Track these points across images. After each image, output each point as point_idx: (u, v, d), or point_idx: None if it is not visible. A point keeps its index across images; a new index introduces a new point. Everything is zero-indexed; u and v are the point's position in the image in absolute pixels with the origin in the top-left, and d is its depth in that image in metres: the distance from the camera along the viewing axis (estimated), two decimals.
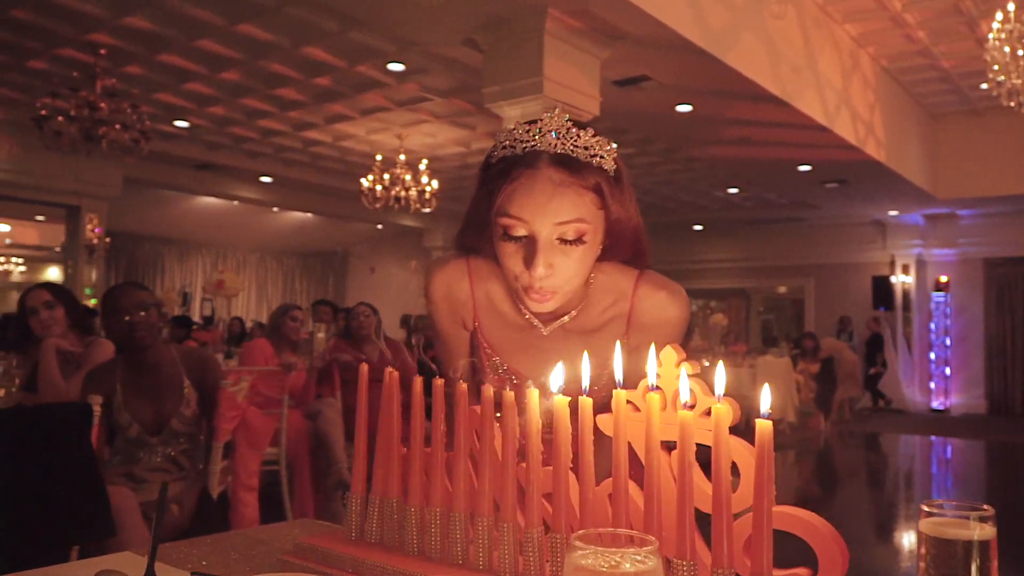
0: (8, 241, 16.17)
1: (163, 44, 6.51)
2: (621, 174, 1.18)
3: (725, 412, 0.78)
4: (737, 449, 0.82)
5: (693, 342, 10.70)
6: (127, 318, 2.60)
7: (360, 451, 1.08)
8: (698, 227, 14.49)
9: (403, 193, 8.77)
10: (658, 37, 5.74)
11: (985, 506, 0.68)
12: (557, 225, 1.11)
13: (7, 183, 9.16)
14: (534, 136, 1.15)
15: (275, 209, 13.01)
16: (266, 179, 11.15)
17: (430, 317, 1.39)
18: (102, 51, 6.54)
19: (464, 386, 0.99)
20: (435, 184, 9.03)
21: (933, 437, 9.98)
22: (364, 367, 1.10)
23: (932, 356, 12.39)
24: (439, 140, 9.23)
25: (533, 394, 0.91)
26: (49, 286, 3.05)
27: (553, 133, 1.15)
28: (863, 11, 7.05)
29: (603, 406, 0.90)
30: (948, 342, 12.31)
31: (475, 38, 5.72)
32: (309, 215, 13.20)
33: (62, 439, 1.66)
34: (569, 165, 1.12)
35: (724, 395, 0.82)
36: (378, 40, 6.32)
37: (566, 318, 1.25)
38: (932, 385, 12.35)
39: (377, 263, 15.56)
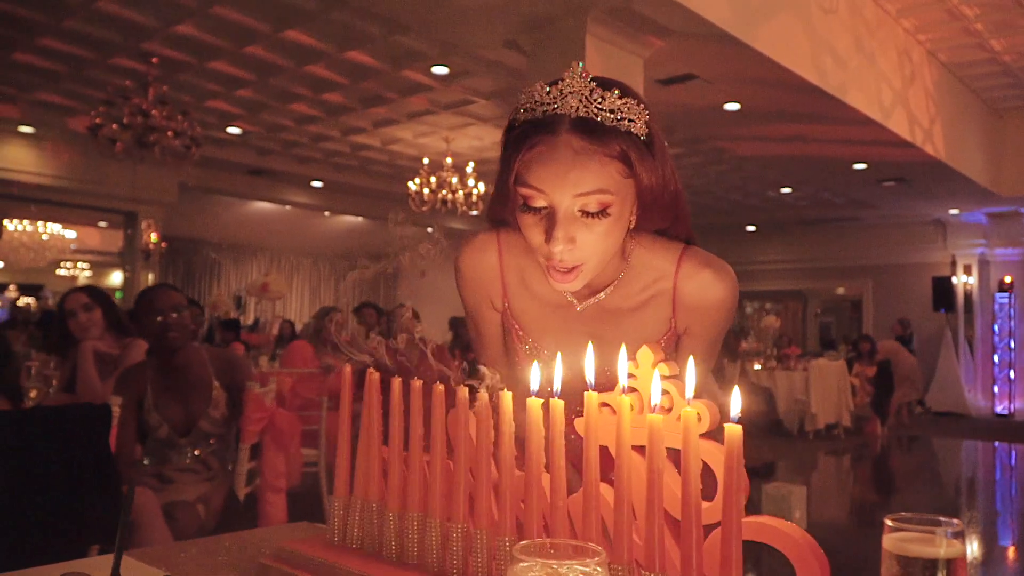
0: (73, 247, 16.71)
1: (212, 52, 6.65)
2: (653, 138, 1.08)
3: (692, 417, 0.73)
4: (713, 455, 0.77)
5: (746, 344, 10.50)
6: (160, 319, 2.64)
7: (343, 454, 1.06)
8: (751, 228, 14.23)
9: (450, 196, 8.79)
10: (703, 34, 5.64)
11: (955, 520, 0.62)
12: (577, 196, 1.03)
13: (69, 190, 9.48)
14: (555, 99, 1.06)
15: (326, 213, 13.20)
16: (317, 184, 11.32)
17: (461, 298, 1.33)
18: (154, 60, 6.71)
19: (440, 388, 0.96)
20: (482, 187, 9.04)
21: (996, 443, 9.60)
22: (347, 368, 1.08)
23: (995, 359, 11.93)
24: (485, 143, 9.24)
25: (505, 397, 0.88)
26: (87, 289, 3.13)
27: (575, 95, 1.05)
28: (918, 5, 6.82)
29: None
30: (1012, 344, 11.83)
31: (517, 40, 5.70)
32: (360, 219, 13.34)
33: (80, 439, 1.69)
34: (591, 131, 1.03)
35: (698, 398, 0.78)
36: (421, 44, 6.35)
37: (602, 295, 1.18)
38: (996, 389, 11.89)
39: (427, 266, 15.65)
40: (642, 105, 1.08)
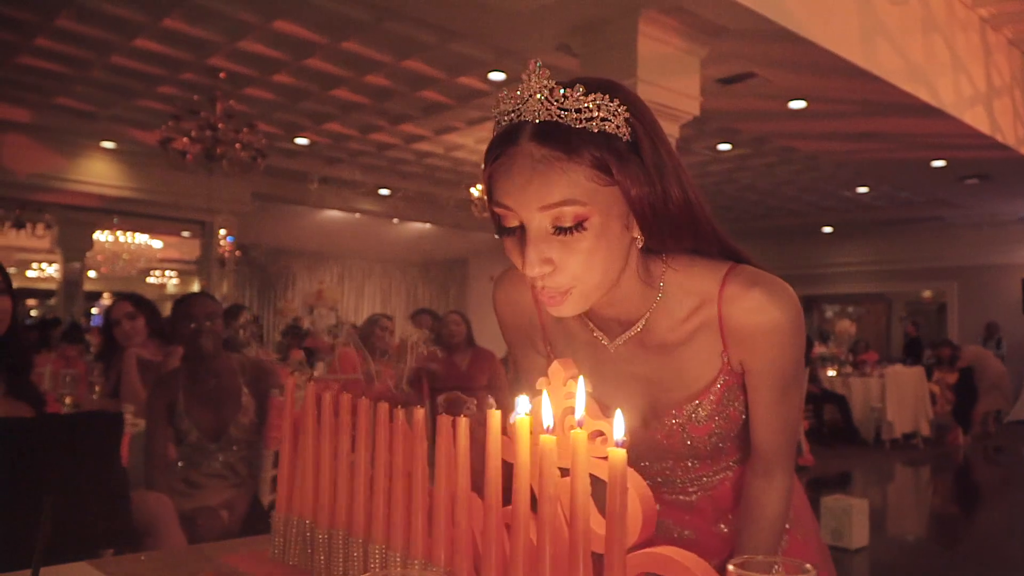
0: (160, 256, 17.42)
1: (275, 66, 6.82)
2: (640, 140, 0.93)
3: (582, 438, 0.69)
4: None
5: (820, 348, 10.13)
6: (193, 325, 2.71)
7: (283, 466, 1.05)
8: (827, 229, 13.76)
9: None
10: (761, 30, 5.49)
11: (807, 565, 0.56)
12: (542, 210, 0.90)
13: (150, 202, 9.90)
14: (516, 105, 0.94)
15: (395, 220, 13.39)
16: (384, 191, 11.50)
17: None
18: (221, 75, 6.93)
19: (370, 407, 0.94)
20: None
21: None
22: (291, 381, 1.07)
23: None
24: None
25: (462, 423, 0.84)
26: (132, 298, 3.24)
27: (538, 96, 0.91)
28: None
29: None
30: None
31: (569, 43, 5.66)
32: (428, 225, 13.50)
33: (90, 446, 1.74)
34: (552, 136, 0.90)
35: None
36: (476, 50, 6.37)
37: (635, 329, 1.04)
38: None
39: (497, 272, 15.71)
40: (617, 101, 0.92)
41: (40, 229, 11.60)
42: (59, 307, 12.40)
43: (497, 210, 0.95)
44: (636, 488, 0.70)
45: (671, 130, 5.70)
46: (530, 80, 0.93)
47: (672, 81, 5.57)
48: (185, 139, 6.88)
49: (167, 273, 19.81)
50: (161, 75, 7.10)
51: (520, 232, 0.94)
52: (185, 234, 15.29)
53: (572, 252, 0.92)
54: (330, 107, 7.99)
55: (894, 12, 6.08)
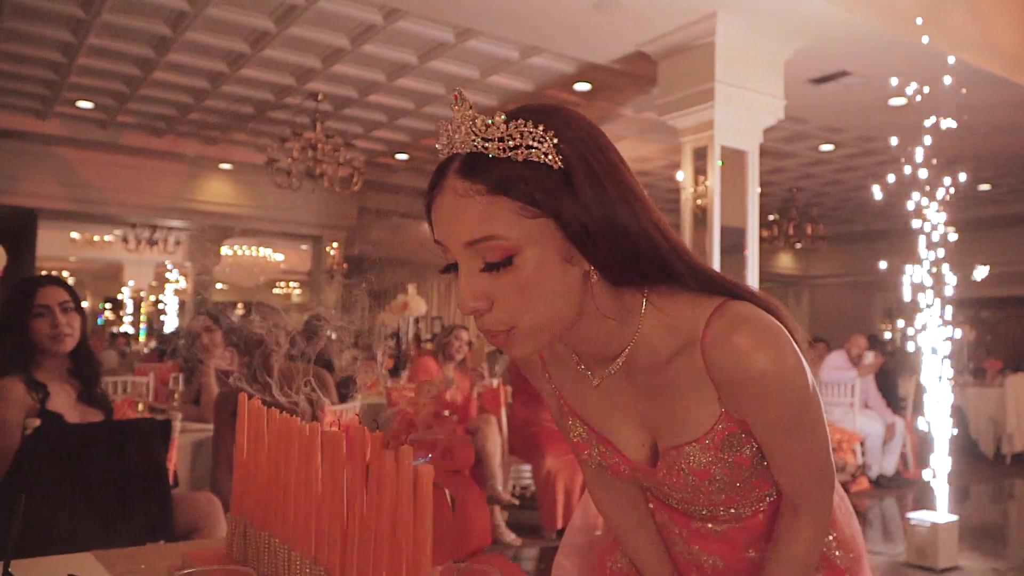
0: (283, 268, 18.37)
1: (370, 87, 7.13)
2: (573, 166, 0.86)
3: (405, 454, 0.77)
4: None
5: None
6: (258, 336, 2.92)
7: (236, 472, 1.17)
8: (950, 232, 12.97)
9: None
10: (847, 28, 5.32)
11: None
12: (467, 247, 0.86)
13: (267, 218, 10.54)
14: (448, 139, 0.90)
15: None
16: None
17: None
18: (320, 97, 7.31)
19: (294, 421, 1.04)
20: None
21: None
22: (243, 395, 1.18)
23: None
24: (641, 154, 9.18)
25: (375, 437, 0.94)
26: (210, 313, 3.51)
27: (464, 129, 0.88)
28: None
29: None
30: None
31: (646, 49, 5.66)
32: None
33: (137, 450, 1.94)
34: (475, 168, 0.85)
35: None
36: (558, 63, 6.46)
37: (614, 366, 0.98)
38: None
39: None
40: (542, 128, 0.86)
41: (171, 245, 12.51)
42: (189, 318, 13.27)
43: (437, 247, 0.91)
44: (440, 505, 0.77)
45: (754, 134, 5.60)
46: (456, 113, 0.90)
47: (753, 83, 5.47)
48: (291, 159, 7.30)
49: (291, 284, 20.87)
50: (268, 100, 7.56)
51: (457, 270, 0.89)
52: (303, 247, 16.10)
53: (505, 288, 0.86)
54: (426, 123, 8.26)
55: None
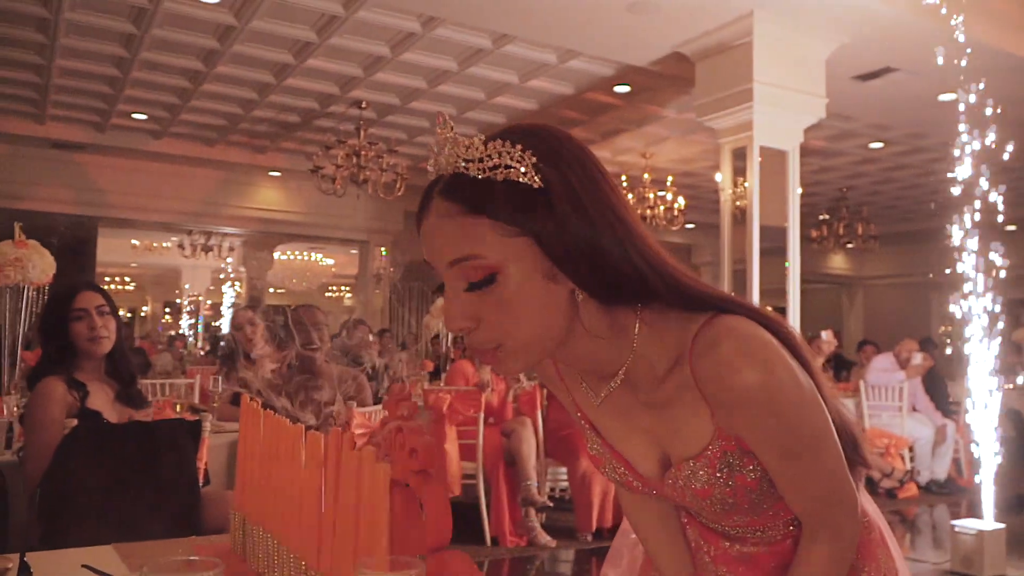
0: (333, 272, 18.70)
1: (411, 94, 7.24)
2: (553, 185, 0.86)
3: (368, 455, 0.81)
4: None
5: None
6: (304, 335, 3.02)
7: (238, 474, 1.23)
8: (1011, 228, 12.57)
9: (648, 212, 8.78)
10: (890, 23, 5.23)
11: None
12: (450, 267, 0.87)
13: (315, 224, 10.76)
14: (434, 161, 0.91)
15: None
16: None
17: None
18: (364, 105, 7.44)
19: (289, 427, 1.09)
20: (681, 201, 8.93)
21: None
22: (245, 397, 1.24)
23: None
24: (684, 155, 9.13)
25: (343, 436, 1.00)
26: (253, 307, 3.62)
27: (443, 152, 0.89)
28: None
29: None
30: None
31: (683, 51, 5.64)
32: None
33: (171, 449, 2.03)
34: (456, 189, 0.87)
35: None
36: (597, 65, 6.47)
37: (612, 384, 0.99)
38: None
39: None
40: (520, 148, 0.86)
41: (225, 251, 12.84)
42: None
43: (429, 266, 0.92)
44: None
45: (795, 133, 5.53)
46: (438, 135, 0.90)
47: (793, 82, 5.41)
48: (335, 166, 7.46)
49: (343, 288, 21.22)
50: (313, 109, 7.73)
51: None
52: (353, 252, 16.37)
53: (490, 307, 0.87)
54: (469, 128, 8.34)
55: None
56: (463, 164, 0.87)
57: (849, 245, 11.42)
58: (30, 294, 3.06)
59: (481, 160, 0.86)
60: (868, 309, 15.86)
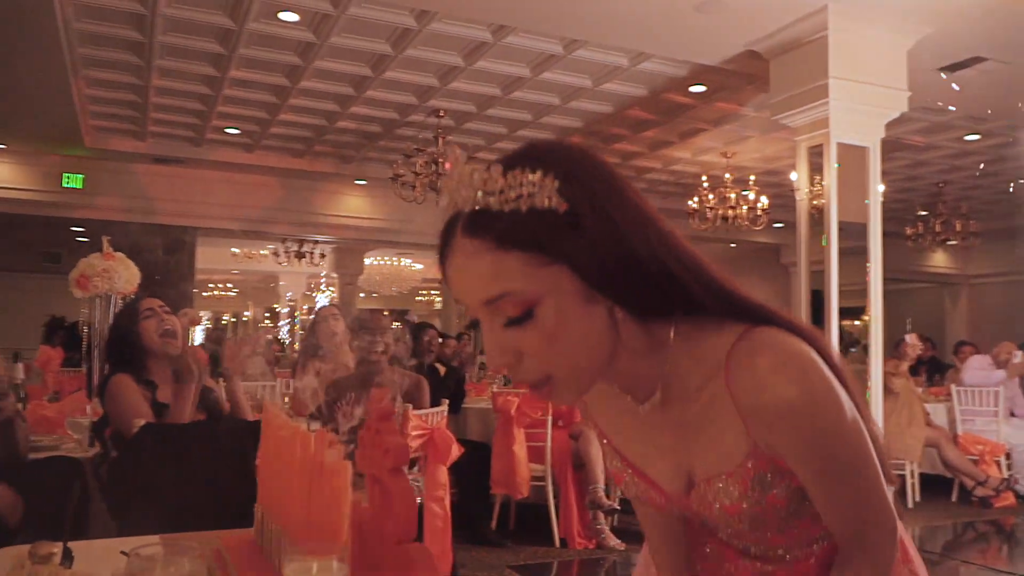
0: (423, 276, 19.09)
1: (487, 101, 7.35)
2: (579, 205, 0.84)
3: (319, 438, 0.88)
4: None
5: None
6: (369, 338, 3.15)
7: (261, 474, 1.32)
8: None
9: (729, 212, 8.64)
10: (977, 10, 5.00)
11: None
12: (486, 306, 0.86)
13: (402, 230, 11.03)
14: (451, 198, 0.88)
15: None
16: None
17: None
18: (441, 114, 7.60)
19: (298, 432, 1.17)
20: (764, 200, 8.74)
21: None
22: (273, 403, 1.33)
23: None
24: (766, 153, 8.93)
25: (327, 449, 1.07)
26: (335, 304, 3.78)
27: (460, 186, 0.86)
28: None
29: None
30: None
31: (756, 49, 5.54)
32: None
33: (232, 448, 2.17)
34: (480, 226, 0.84)
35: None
36: (669, 67, 6.43)
37: (654, 399, 0.97)
38: None
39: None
40: (540, 173, 0.84)
41: (317, 258, 13.30)
42: None
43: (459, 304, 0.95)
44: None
45: (875, 128, 5.35)
46: (453, 168, 0.89)
47: (872, 76, 5.24)
48: (412, 174, 7.64)
49: (432, 292, 21.65)
50: (393, 119, 7.94)
51: None
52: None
53: (532, 341, 0.85)
54: (545, 133, 8.39)
55: None
56: (484, 199, 0.84)
57: (950, 242, 10.90)
58: (116, 302, 3.31)
59: (502, 192, 0.83)
60: (972, 310, 15.07)
